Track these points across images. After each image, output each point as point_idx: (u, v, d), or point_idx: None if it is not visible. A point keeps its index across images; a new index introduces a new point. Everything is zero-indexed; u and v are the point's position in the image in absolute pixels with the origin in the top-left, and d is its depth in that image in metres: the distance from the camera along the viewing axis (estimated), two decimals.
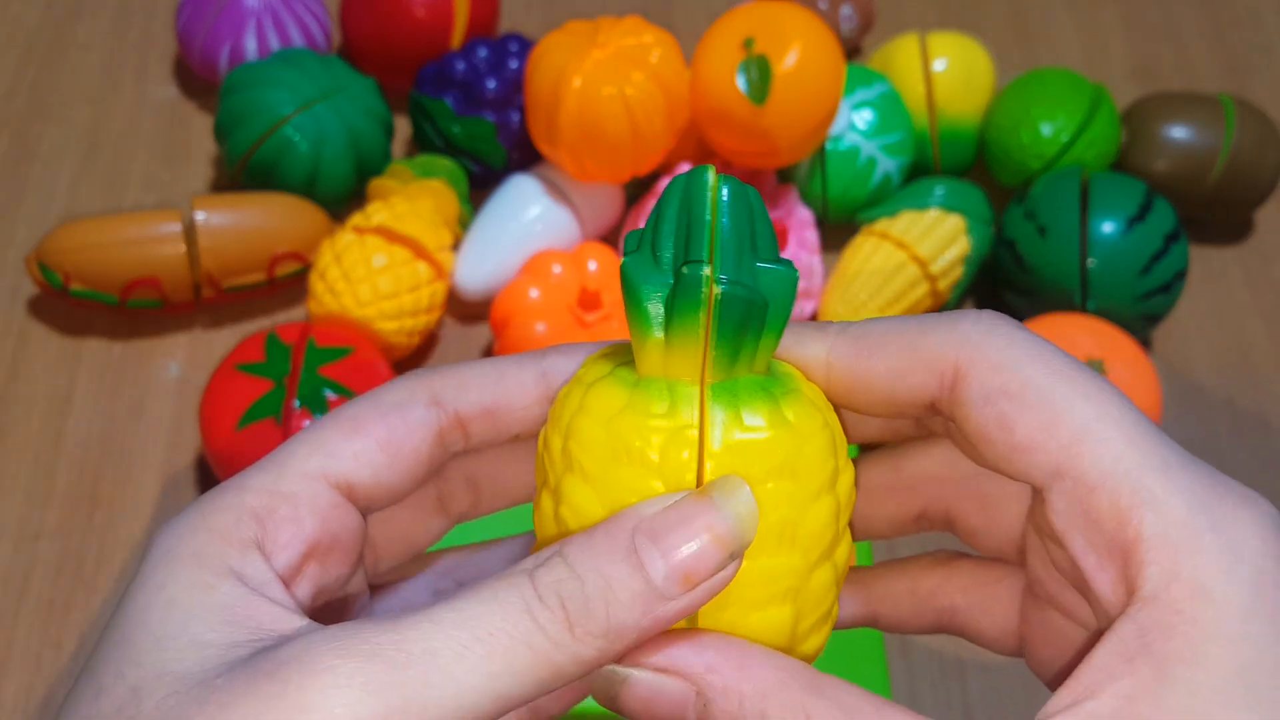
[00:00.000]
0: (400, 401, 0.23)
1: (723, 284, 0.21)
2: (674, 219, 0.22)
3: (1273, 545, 0.19)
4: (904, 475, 0.26)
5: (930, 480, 0.25)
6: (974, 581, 0.25)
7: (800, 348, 0.23)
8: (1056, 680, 0.23)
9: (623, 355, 0.23)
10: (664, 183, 0.58)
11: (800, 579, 0.22)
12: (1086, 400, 0.20)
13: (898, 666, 0.49)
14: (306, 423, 0.47)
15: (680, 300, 0.22)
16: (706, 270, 0.21)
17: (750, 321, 0.22)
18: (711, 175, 0.22)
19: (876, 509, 0.26)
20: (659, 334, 0.22)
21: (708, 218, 0.22)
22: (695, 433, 0.21)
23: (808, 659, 0.22)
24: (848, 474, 0.23)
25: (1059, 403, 0.20)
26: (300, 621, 0.20)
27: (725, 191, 0.22)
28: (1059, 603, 0.23)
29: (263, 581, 0.21)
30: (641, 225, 0.61)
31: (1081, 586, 0.20)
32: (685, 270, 0.21)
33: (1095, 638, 0.20)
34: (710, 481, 0.21)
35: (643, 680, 0.21)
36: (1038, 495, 0.21)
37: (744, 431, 0.21)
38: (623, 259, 0.23)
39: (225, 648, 0.19)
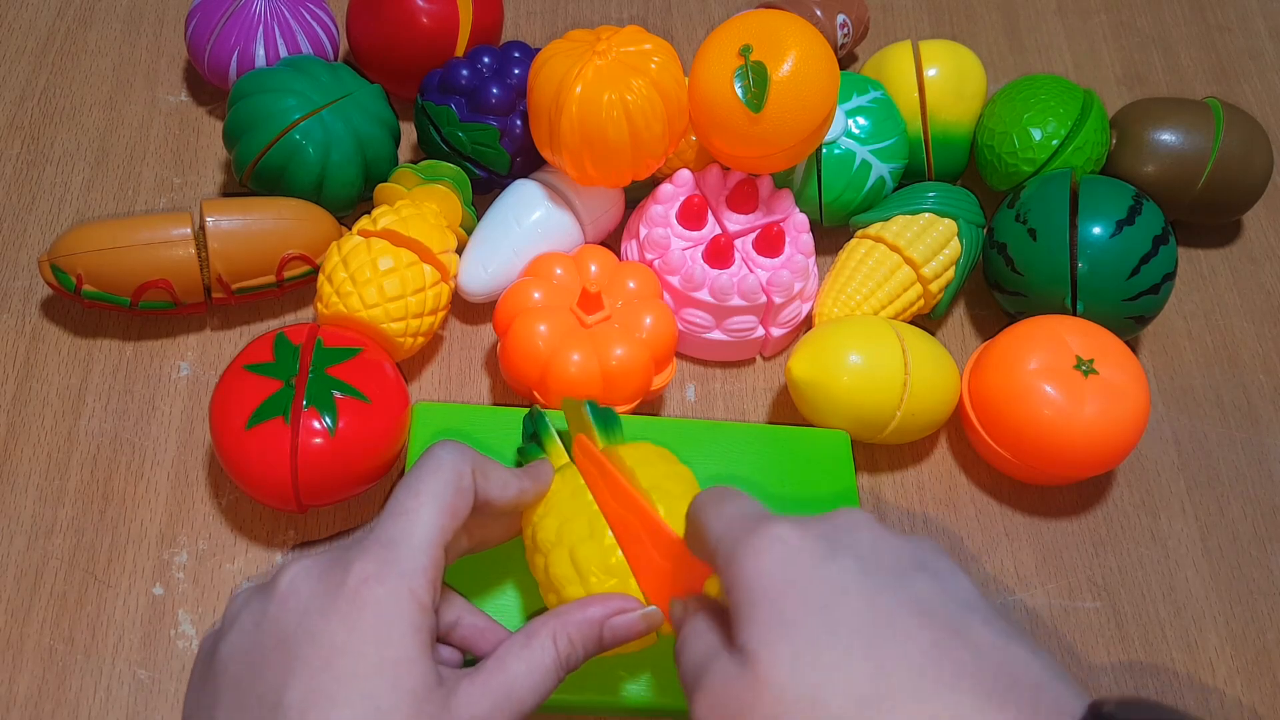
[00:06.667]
0: (466, 488, 0.38)
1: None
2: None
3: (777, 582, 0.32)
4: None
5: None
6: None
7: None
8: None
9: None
10: (664, 187, 0.59)
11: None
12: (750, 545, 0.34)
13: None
14: (315, 423, 0.48)
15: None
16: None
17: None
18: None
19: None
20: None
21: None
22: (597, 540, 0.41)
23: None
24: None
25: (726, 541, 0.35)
26: (449, 677, 0.35)
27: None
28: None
29: (432, 641, 0.35)
30: (640, 228, 0.62)
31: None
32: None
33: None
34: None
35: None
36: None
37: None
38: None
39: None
